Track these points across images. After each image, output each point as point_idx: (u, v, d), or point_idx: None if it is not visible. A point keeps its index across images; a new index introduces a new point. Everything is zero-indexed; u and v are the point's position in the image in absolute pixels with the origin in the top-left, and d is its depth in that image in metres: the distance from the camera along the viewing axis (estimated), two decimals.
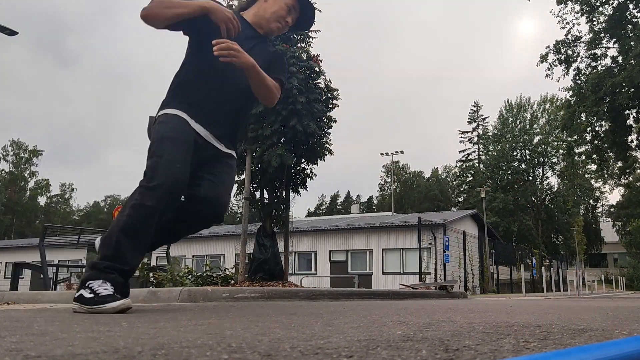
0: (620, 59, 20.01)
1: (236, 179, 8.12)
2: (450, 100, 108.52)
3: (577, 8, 20.92)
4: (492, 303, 5.33)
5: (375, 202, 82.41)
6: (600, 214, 66.45)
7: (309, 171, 8.15)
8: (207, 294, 3.96)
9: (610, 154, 21.75)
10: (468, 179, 62.13)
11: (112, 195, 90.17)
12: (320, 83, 7.94)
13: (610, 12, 20.30)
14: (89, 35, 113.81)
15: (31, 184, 71.19)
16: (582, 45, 21.24)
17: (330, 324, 1.81)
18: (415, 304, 4.05)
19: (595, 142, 21.55)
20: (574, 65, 21.33)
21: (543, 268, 24.19)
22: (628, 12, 20.01)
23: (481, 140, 63.64)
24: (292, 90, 7.21)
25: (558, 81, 22.54)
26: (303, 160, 8.04)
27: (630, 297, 13.71)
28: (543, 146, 56.88)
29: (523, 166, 57.78)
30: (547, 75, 21.72)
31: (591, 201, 63.03)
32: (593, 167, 25.16)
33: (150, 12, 2.49)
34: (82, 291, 2.27)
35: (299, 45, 8.02)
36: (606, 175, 25.06)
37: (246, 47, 2.56)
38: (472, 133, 64.93)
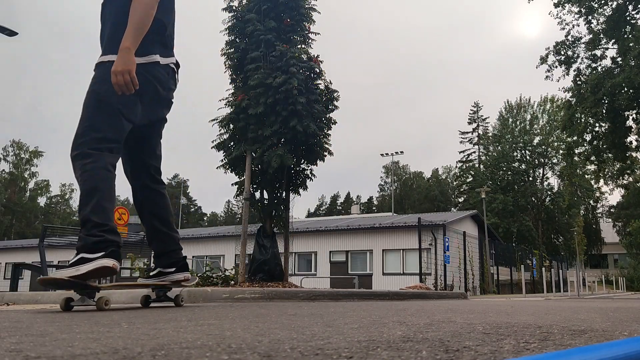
0: (619, 59, 19.99)
1: (236, 179, 8.12)
2: (451, 100, 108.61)
3: (575, 10, 20.88)
4: (492, 304, 5.32)
5: (375, 202, 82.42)
6: (600, 215, 66.39)
7: (309, 172, 8.14)
8: (207, 295, 3.96)
9: (609, 155, 21.68)
10: (468, 180, 62.09)
11: None
12: (320, 84, 7.93)
13: (610, 13, 20.28)
14: None
15: (31, 185, 71.23)
16: (582, 46, 21.22)
17: (331, 324, 1.81)
18: (415, 305, 4.04)
19: (594, 142, 21.50)
20: (574, 66, 21.31)
21: (543, 269, 24.16)
22: (627, 14, 19.99)
23: (481, 141, 63.65)
24: (292, 91, 7.21)
25: (558, 81, 22.47)
26: (303, 160, 8.03)
27: (630, 298, 13.71)
28: (543, 147, 56.88)
29: (523, 167, 57.77)
30: (547, 77, 21.70)
31: (591, 202, 62.99)
32: (592, 167, 25.11)
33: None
34: None
35: (300, 46, 8.01)
36: (605, 176, 25.01)
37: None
38: (472, 133, 64.97)
